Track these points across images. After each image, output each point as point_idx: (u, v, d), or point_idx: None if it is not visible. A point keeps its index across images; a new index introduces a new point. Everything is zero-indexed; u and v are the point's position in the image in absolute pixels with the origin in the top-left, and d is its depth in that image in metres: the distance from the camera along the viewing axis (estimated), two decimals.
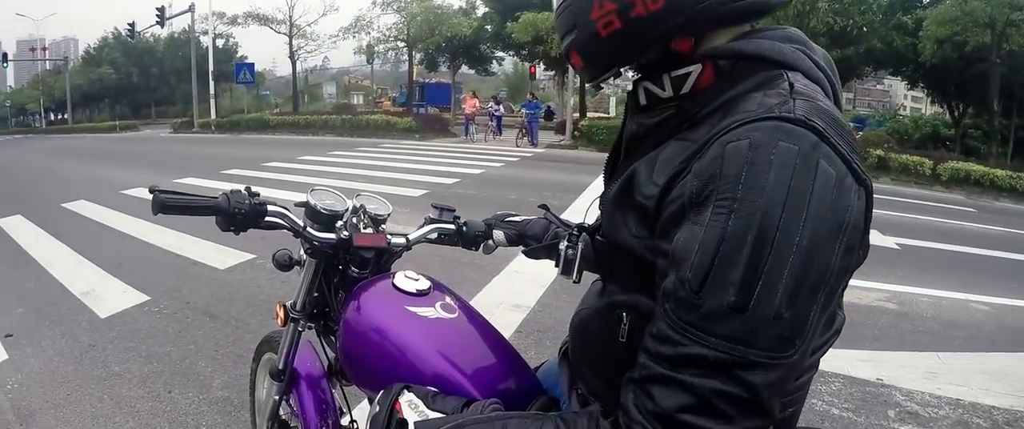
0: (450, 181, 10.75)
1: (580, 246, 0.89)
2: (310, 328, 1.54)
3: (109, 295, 4.62)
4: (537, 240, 1.37)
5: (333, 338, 1.43)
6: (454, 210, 1.56)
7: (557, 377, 1.06)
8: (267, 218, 1.28)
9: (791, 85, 0.70)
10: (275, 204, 1.30)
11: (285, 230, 1.32)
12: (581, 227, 0.97)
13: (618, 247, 0.80)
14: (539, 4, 25.38)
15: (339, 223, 1.34)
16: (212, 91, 30.66)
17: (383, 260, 1.42)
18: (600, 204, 0.88)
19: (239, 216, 1.23)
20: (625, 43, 0.77)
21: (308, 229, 1.33)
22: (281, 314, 1.53)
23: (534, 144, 19.14)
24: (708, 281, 0.62)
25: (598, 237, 0.88)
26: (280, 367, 1.58)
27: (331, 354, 1.54)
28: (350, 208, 1.38)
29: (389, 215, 1.46)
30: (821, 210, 0.62)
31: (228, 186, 5.22)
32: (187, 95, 35.33)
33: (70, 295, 4.73)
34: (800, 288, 0.62)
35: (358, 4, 32.41)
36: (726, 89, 0.74)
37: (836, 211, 0.63)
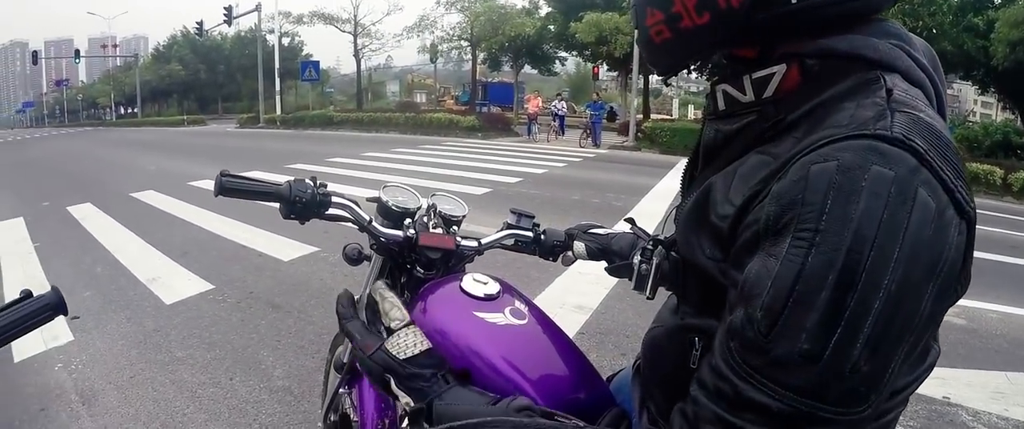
0: (513, 180, 11.25)
1: (655, 260, 0.94)
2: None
3: (174, 282, 5.28)
4: (622, 256, 1.42)
5: (394, 398, 1.65)
6: (533, 217, 1.66)
7: (630, 391, 1.13)
8: (330, 209, 1.42)
9: (889, 92, 0.69)
10: (341, 196, 1.47)
11: (350, 223, 1.47)
12: (657, 240, 1.01)
13: (692, 266, 0.83)
14: (602, 4, 27.26)
15: (408, 221, 1.46)
16: (278, 88, 35.13)
17: (451, 262, 1.53)
18: (675, 217, 0.91)
19: (300, 204, 1.38)
20: (678, 51, 0.83)
21: (374, 224, 1.46)
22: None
23: (597, 145, 20.32)
24: (779, 324, 0.62)
25: (673, 253, 0.92)
26: (344, 360, 1.79)
27: None
28: (422, 206, 1.50)
29: (464, 217, 1.59)
30: (916, 249, 0.61)
31: (291, 179, 5.64)
32: (253, 91, 41.05)
33: (136, 281, 5.43)
34: (883, 338, 0.61)
35: (422, 4, 34.95)
36: (814, 94, 0.74)
37: (933, 249, 0.62)
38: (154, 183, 12.00)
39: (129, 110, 64.80)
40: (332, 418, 1.92)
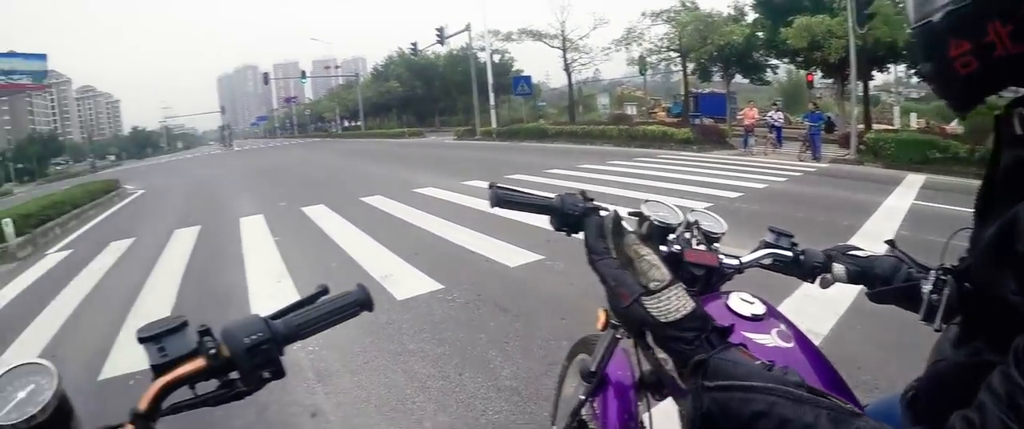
0: (732, 194, 10.91)
1: (945, 291, 0.95)
2: (628, 338, 1.86)
3: (405, 280, 5.83)
4: (885, 281, 1.41)
5: (651, 351, 1.71)
6: (792, 236, 1.68)
7: (899, 420, 1.11)
8: None
9: None
10: (607, 210, 1.61)
11: None
12: (945, 269, 1.02)
13: (990, 300, 0.84)
14: (811, 7, 25.55)
15: (671, 237, 1.53)
16: (492, 102, 37.97)
17: (712, 280, 1.58)
18: (970, 247, 0.90)
19: (573, 217, 1.48)
20: (985, 83, 0.83)
21: None
22: (603, 319, 1.79)
23: (817, 158, 19.09)
24: None
25: (966, 284, 0.92)
26: (592, 369, 1.87)
27: (645, 367, 1.76)
28: (683, 222, 1.56)
29: (723, 234, 1.63)
30: None
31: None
32: (468, 106, 44.61)
33: (370, 277, 6.09)
34: None
35: (628, 16, 35.23)
36: None
37: None
38: (381, 189, 13.43)
39: (353, 123, 74.74)
40: (570, 424, 2.02)
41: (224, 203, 15.78)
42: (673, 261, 1.49)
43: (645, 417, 1.83)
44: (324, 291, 1.01)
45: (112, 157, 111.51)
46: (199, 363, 0.88)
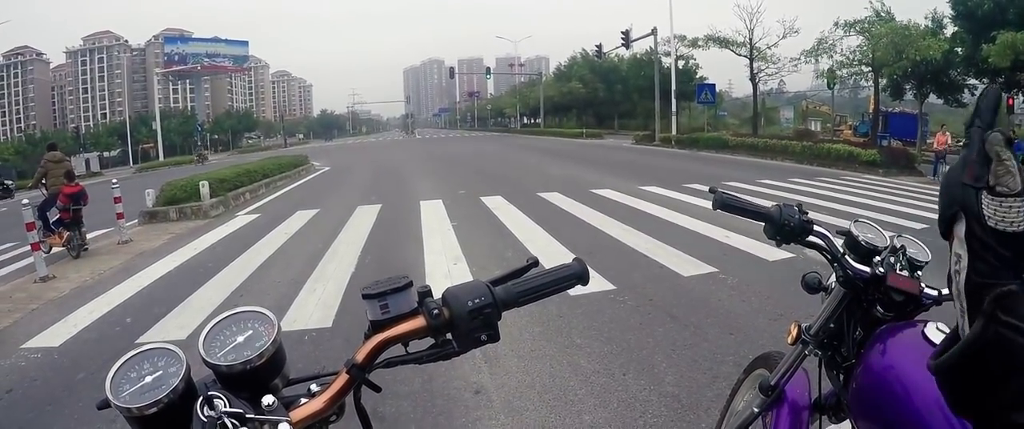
0: (918, 226, 9.98)
1: None
2: (816, 355, 1.80)
3: None
4: None
5: (835, 372, 1.67)
6: None
7: None
8: (810, 237, 1.59)
9: None
10: (821, 226, 1.63)
11: (824, 253, 1.60)
12: None
13: None
14: (1016, 20, 22.75)
15: (877, 259, 1.56)
16: (674, 109, 37.51)
17: (909, 308, 1.57)
18: None
19: (787, 228, 1.59)
20: None
21: (846, 257, 1.57)
22: (794, 333, 1.83)
23: None
24: None
25: None
26: (772, 383, 1.91)
27: (825, 388, 1.78)
28: (889, 246, 1.59)
29: (927, 263, 1.62)
30: None
31: (689, 198, 6.15)
32: (648, 111, 44.69)
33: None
34: None
35: (820, 26, 32.93)
36: None
37: None
38: (559, 186, 13.81)
39: (532, 120, 76.99)
40: None
41: (405, 186, 16.83)
42: (875, 283, 1.51)
43: None
44: (535, 263, 1.05)
45: (300, 136, 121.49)
46: (419, 322, 0.95)
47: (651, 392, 3.68)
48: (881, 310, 1.53)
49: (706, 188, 7.58)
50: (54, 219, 10.09)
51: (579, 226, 9.14)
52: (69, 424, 3.82)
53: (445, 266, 7.03)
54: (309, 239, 9.31)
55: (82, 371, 4.70)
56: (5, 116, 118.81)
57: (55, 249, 10.00)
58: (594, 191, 12.72)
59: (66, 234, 9.82)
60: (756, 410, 1.95)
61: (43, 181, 10.85)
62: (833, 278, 1.65)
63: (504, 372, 4.08)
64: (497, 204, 11.54)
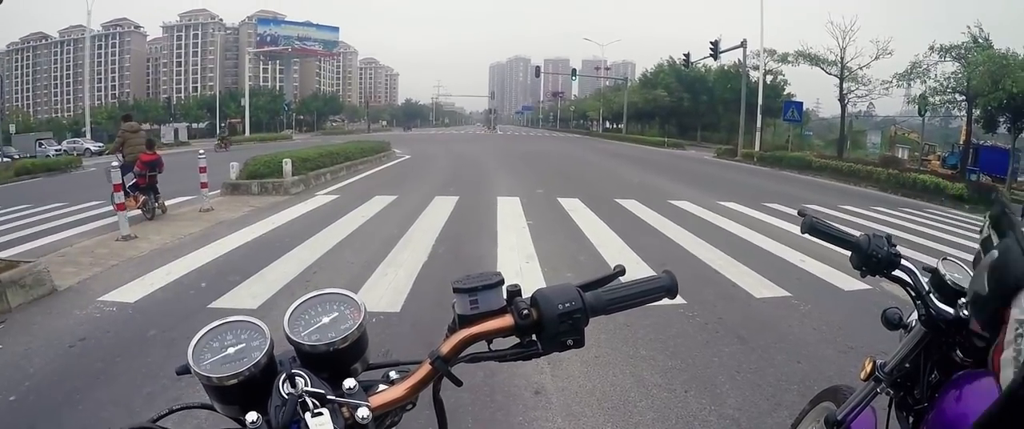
0: None
1: None
2: (887, 394, 1.75)
3: None
4: None
5: (905, 414, 1.63)
6: None
7: None
8: (896, 271, 1.59)
9: None
10: (907, 260, 1.59)
11: (908, 288, 1.57)
12: None
13: None
14: None
15: (962, 301, 1.48)
16: (759, 124, 36.58)
17: (990, 355, 1.49)
18: None
19: (874, 259, 1.57)
20: None
21: (930, 296, 1.52)
22: (868, 368, 1.78)
23: None
24: None
25: None
26: (838, 418, 1.86)
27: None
28: None
29: None
30: None
31: (768, 218, 6.06)
32: (732, 124, 43.29)
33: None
34: None
35: (915, 49, 31.44)
36: None
37: None
38: (636, 194, 13.75)
39: (614, 125, 76.49)
40: None
41: (484, 180, 17.02)
42: (957, 326, 1.47)
43: None
44: (621, 271, 1.05)
45: (384, 122, 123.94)
46: (507, 321, 0.94)
47: (711, 412, 3.64)
48: (961, 355, 1.48)
49: (786, 208, 7.56)
50: (131, 184, 10.65)
51: (654, 236, 9.07)
52: (136, 378, 4.04)
53: (517, 263, 7.09)
54: (385, 224, 9.53)
55: (154, 328, 4.96)
56: (101, 83, 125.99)
57: (132, 213, 10.34)
58: (672, 202, 12.61)
59: (142, 198, 10.64)
60: None
61: (122, 148, 11.56)
62: (914, 316, 1.60)
63: (566, 375, 4.11)
64: (574, 206, 11.58)
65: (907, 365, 1.62)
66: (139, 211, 10.60)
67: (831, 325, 5.25)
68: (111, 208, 9.42)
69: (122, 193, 8.88)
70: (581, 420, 3.52)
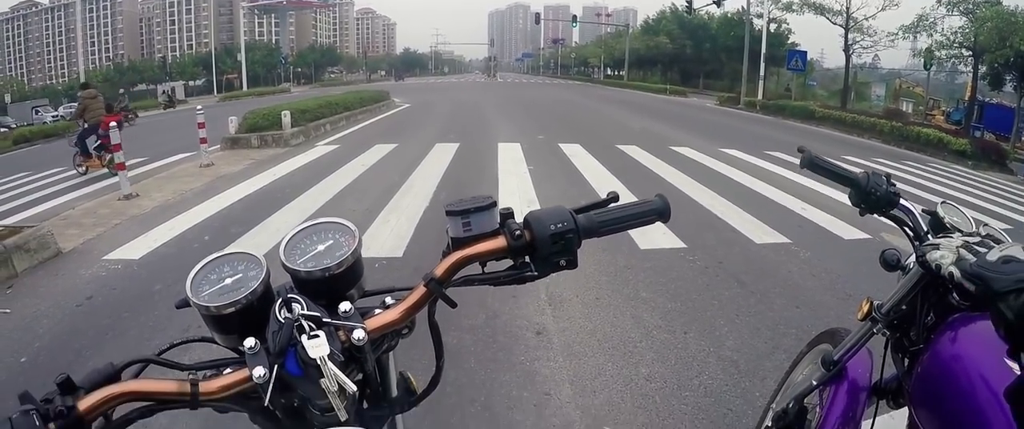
0: (1000, 225, 9.52)
1: None
2: (884, 335, 1.73)
3: (649, 231, 5.92)
4: None
5: (901, 356, 1.62)
6: None
7: None
8: (895, 210, 1.59)
9: None
10: (906, 200, 1.58)
11: (905, 228, 1.59)
12: None
13: None
14: None
15: None
16: (762, 73, 35.79)
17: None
18: None
19: (872, 197, 1.56)
20: None
21: (928, 236, 1.53)
22: (864, 308, 1.75)
23: None
24: None
25: None
26: (834, 358, 1.85)
27: (888, 373, 1.74)
28: (974, 232, 1.53)
29: None
30: None
31: (769, 165, 6.02)
32: (735, 72, 43.21)
33: None
34: None
35: (922, 1, 30.85)
36: None
37: None
38: (638, 140, 13.65)
39: (615, 72, 75.79)
40: (789, 406, 2.02)
41: (484, 127, 16.91)
42: None
43: (866, 424, 1.80)
44: (615, 197, 1.03)
45: (383, 72, 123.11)
46: (499, 242, 0.93)
47: (710, 354, 3.67)
48: (957, 298, 1.46)
49: (788, 156, 7.52)
50: (95, 145, 11.70)
51: (655, 181, 9.04)
52: (143, 331, 4.06)
53: (518, 207, 6.94)
54: (386, 172, 9.49)
55: (159, 283, 4.97)
56: (95, 46, 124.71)
57: (94, 172, 11.85)
58: (673, 148, 12.53)
59: (107, 156, 11.26)
60: (814, 383, 1.93)
61: (83, 115, 12.19)
62: (912, 258, 1.58)
63: (567, 317, 4.13)
64: (574, 152, 11.52)
65: (903, 307, 1.61)
66: (106, 169, 11.51)
67: (830, 272, 5.25)
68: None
69: (120, 153, 8.85)
70: (582, 360, 3.55)
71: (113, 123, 10.69)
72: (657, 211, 1.00)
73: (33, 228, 5.96)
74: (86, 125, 11.88)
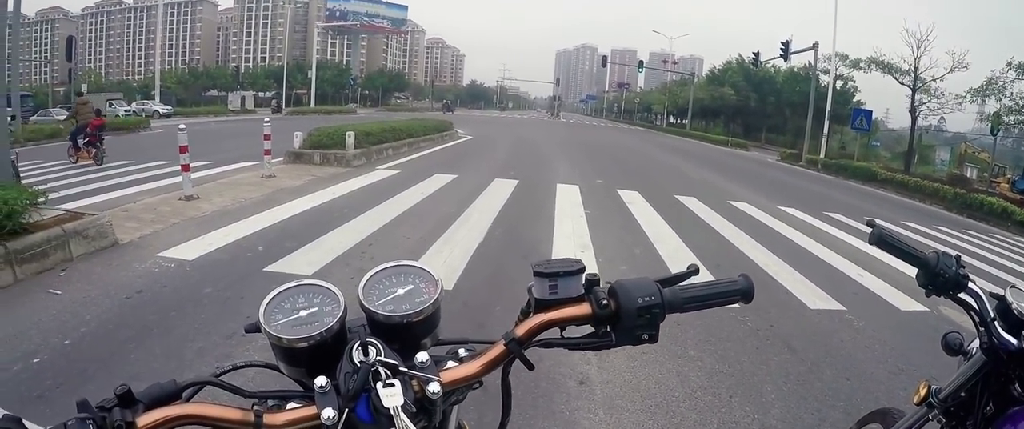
0: None
1: None
2: (939, 422, 1.69)
3: None
4: None
5: None
6: None
7: None
8: (963, 293, 1.52)
9: None
10: (974, 283, 1.52)
11: (972, 313, 1.51)
12: None
13: None
14: None
15: None
16: (825, 131, 35.23)
17: None
18: None
19: (941, 278, 1.50)
20: None
21: (995, 323, 1.46)
22: (922, 393, 1.71)
23: None
24: None
25: None
26: None
27: None
28: None
29: None
30: None
31: (828, 227, 5.93)
32: (798, 128, 42.19)
33: (666, 270, 6.19)
34: None
35: (992, 64, 29.91)
36: None
37: None
38: (697, 191, 13.53)
39: (679, 120, 74.85)
40: None
41: (544, 167, 16.97)
42: (1020, 357, 1.41)
43: None
44: (695, 270, 1.02)
45: (447, 102, 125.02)
46: (585, 309, 0.93)
47: (754, 421, 3.57)
48: (1019, 389, 1.43)
49: (847, 219, 7.41)
50: (85, 141, 14.69)
51: (711, 235, 8.93)
52: (188, 332, 4.16)
53: (571, 252, 7.00)
54: (443, 202, 9.59)
55: (209, 286, 5.08)
56: (172, 49, 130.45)
57: (83, 162, 14.51)
58: (731, 203, 12.38)
59: (93, 151, 14.58)
60: None
61: (76, 117, 15.35)
62: (975, 343, 1.54)
63: (611, 369, 4.08)
64: (632, 199, 11.46)
65: (962, 394, 1.56)
66: (92, 161, 14.42)
67: (884, 345, 5.07)
68: (177, 168, 9.75)
69: (186, 155, 9.18)
70: (623, 414, 3.50)
71: (98, 124, 14.77)
72: (742, 292, 0.99)
73: (94, 216, 6.23)
74: (78, 124, 14.90)
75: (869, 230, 1.57)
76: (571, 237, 7.82)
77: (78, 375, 3.45)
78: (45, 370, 3.48)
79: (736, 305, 4.18)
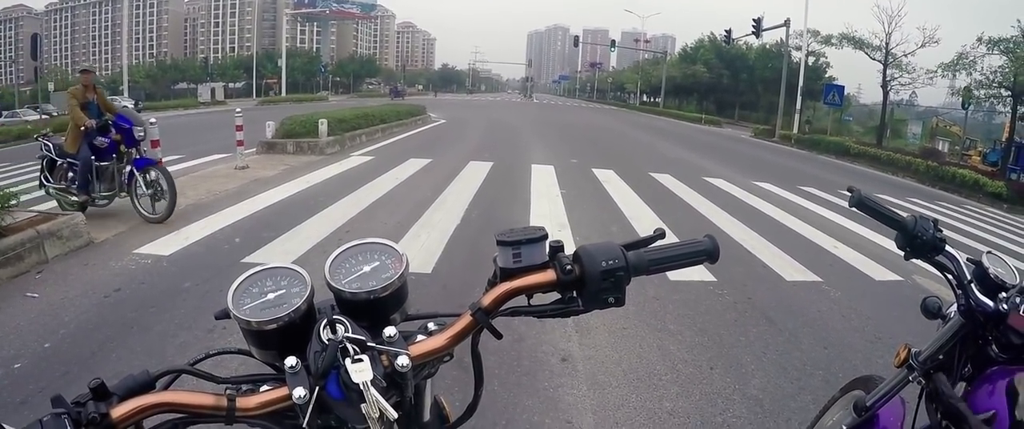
0: None
1: None
2: (919, 384, 1.71)
3: None
4: None
5: (935, 406, 1.57)
6: None
7: None
8: (940, 256, 1.55)
9: None
10: (952, 247, 1.55)
11: (949, 276, 1.54)
12: None
13: None
14: None
15: (1003, 295, 1.46)
16: (798, 106, 35.57)
17: None
18: None
19: (918, 240, 1.53)
20: None
21: (972, 286, 1.50)
22: (902, 355, 1.73)
23: None
24: None
25: None
26: (867, 404, 1.85)
27: (922, 422, 1.68)
28: (1018, 285, 1.51)
29: None
30: None
31: (803, 201, 5.96)
32: (771, 105, 42.25)
33: None
34: None
35: (962, 40, 30.29)
36: None
37: None
38: (672, 169, 13.58)
39: (652, 99, 75.21)
40: None
41: (519, 148, 16.97)
42: (996, 320, 1.44)
43: None
44: (662, 234, 1.00)
45: (420, 86, 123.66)
46: (549, 276, 0.91)
47: (735, 391, 3.61)
48: (996, 350, 1.45)
49: (822, 193, 7.49)
50: None
51: (687, 211, 8.97)
52: (169, 328, 4.10)
53: (550, 231, 6.95)
54: (419, 187, 9.56)
55: (188, 280, 5.03)
56: (139, 42, 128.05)
57: None
58: (706, 179, 12.46)
59: None
60: (844, 427, 1.91)
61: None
62: (953, 307, 1.57)
63: (593, 345, 4.10)
64: (608, 177, 11.50)
65: (941, 356, 1.58)
66: None
67: (860, 314, 5.14)
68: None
69: (158, 150, 8.98)
70: (605, 390, 3.51)
71: None
72: (706, 252, 0.97)
73: (67, 216, 6.10)
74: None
75: (849, 194, 1.59)
76: (548, 217, 7.82)
77: (60, 378, 3.38)
78: (27, 375, 3.40)
79: (714, 279, 4.23)
